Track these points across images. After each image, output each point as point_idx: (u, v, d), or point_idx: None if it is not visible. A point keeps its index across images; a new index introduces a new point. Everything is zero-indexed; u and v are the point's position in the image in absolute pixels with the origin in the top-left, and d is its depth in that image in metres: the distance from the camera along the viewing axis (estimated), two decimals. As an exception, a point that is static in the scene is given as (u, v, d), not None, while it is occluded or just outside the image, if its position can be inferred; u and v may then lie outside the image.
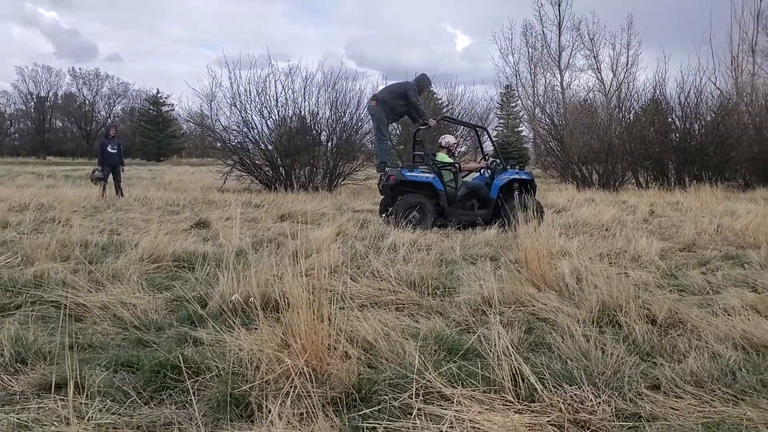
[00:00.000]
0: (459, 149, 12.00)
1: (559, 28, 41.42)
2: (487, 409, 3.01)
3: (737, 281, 5.80)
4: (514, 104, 50.51)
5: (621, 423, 2.96)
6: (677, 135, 20.87)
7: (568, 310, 4.58)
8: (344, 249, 6.69)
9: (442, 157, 10.13)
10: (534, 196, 10.14)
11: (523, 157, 44.25)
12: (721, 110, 20.93)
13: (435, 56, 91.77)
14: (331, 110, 18.14)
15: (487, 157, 10.92)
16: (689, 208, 12.79)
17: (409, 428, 2.80)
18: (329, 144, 18.36)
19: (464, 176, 10.52)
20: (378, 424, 2.84)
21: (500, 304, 4.78)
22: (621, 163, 20.33)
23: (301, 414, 2.92)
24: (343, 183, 18.38)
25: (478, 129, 12.17)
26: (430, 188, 9.56)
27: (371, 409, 3.00)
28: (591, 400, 3.09)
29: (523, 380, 3.20)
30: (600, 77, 40.40)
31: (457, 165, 10.16)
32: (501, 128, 50.12)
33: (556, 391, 3.17)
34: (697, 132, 20.73)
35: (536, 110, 36.03)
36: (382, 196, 10.37)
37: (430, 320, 4.47)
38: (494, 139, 12.55)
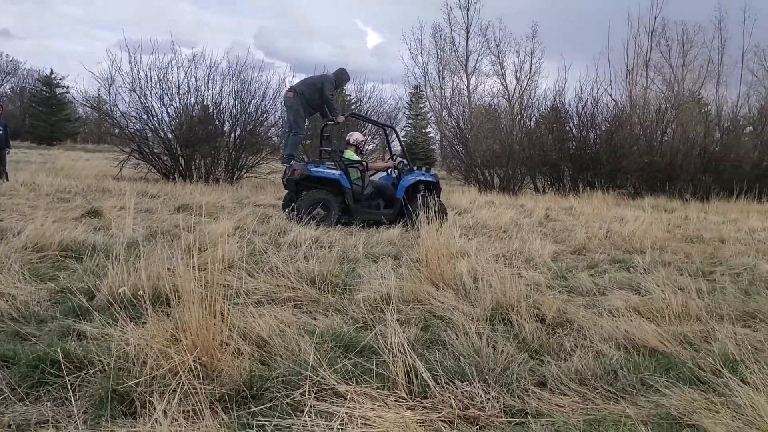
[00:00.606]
0: (367, 147, 11.87)
1: (467, 33, 42.33)
2: (380, 405, 3.01)
3: (622, 284, 6.08)
4: (422, 105, 51.24)
5: (509, 419, 3.03)
6: (574, 143, 21.75)
7: (464, 309, 4.67)
8: (242, 244, 6.54)
9: (350, 154, 10.04)
10: (438, 197, 10.28)
11: (429, 158, 44.95)
12: (615, 121, 21.99)
13: (345, 52, 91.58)
14: (235, 100, 17.71)
15: (394, 157, 10.90)
16: (582, 213, 13.35)
17: (299, 426, 2.76)
18: (232, 135, 17.91)
19: (371, 175, 10.51)
20: (268, 421, 2.78)
21: (399, 302, 4.83)
22: (521, 168, 20.99)
23: (188, 411, 2.83)
24: (245, 176, 18.00)
25: (386, 128, 12.18)
26: (336, 185, 9.44)
27: (262, 407, 2.94)
28: (481, 396, 3.15)
29: (416, 377, 3.23)
30: (504, 83, 41.63)
31: (364, 163, 10.05)
32: (409, 128, 50.74)
33: (448, 388, 3.21)
34: (592, 141, 21.68)
35: (443, 112, 36.65)
36: (286, 191, 10.21)
37: (328, 317, 4.43)
38: (402, 139, 12.61)
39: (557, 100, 22.98)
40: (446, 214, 10.08)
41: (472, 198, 15.23)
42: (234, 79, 17.61)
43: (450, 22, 42.73)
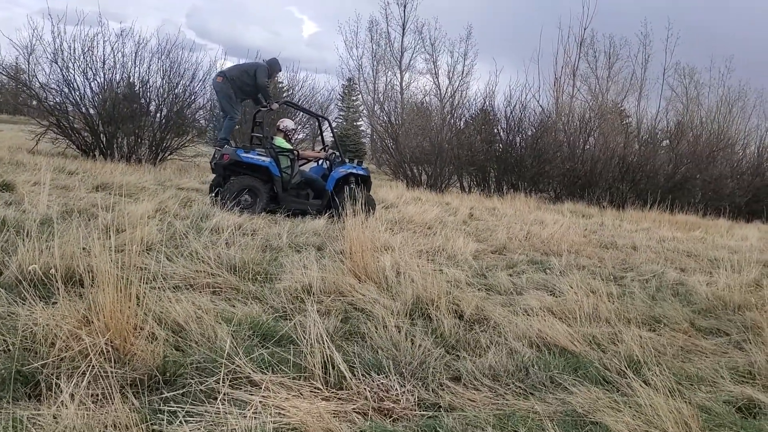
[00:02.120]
0: (297, 136, 11.58)
1: (403, 29, 42.49)
2: (295, 395, 3.00)
3: (538, 285, 6.26)
4: (355, 98, 51.15)
5: (422, 412, 3.08)
6: (501, 146, 22.22)
7: (385, 302, 4.70)
8: (163, 227, 6.38)
9: (281, 141, 9.86)
10: (368, 191, 10.28)
11: (360, 151, 44.95)
12: (541, 127, 22.59)
13: (281, 39, 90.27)
14: (163, 80, 17.15)
15: (326, 148, 10.77)
16: (504, 214, 13.65)
17: (212, 413, 2.72)
18: (158, 115, 17.35)
19: (301, 165, 10.40)
20: (180, 407, 2.74)
21: (321, 293, 4.82)
22: (449, 166, 21.30)
23: (97, 395, 2.74)
24: (169, 158, 17.50)
25: (320, 118, 12.10)
26: (266, 172, 9.28)
27: (174, 393, 2.89)
28: (396, 389, 3.19)
29: (333, 368, 3.24)
30: (437, 82, 42.02)
31: (295, 152, 9.92)
32: (341, 120, 50.55)
33: (364, 380, 3.24)
34: (518, 145, 22.20)
35: (375, 107, 36.69)
36: (214, 175, 10.00)
37: (248, 306, 4.38)
38: (334, 130, 12.58)
39: (487, 103, 23.47)
40: (374, 207, 10.09)
41: (400, 193, 15.33)
42: (163, 57, 17.03)
43: (387, 18, 42.83)
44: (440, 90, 41.17)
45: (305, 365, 3.27)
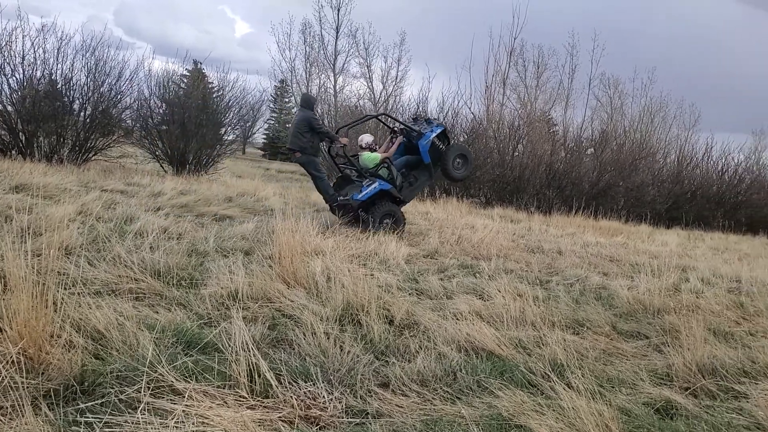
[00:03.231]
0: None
1: (337, 32, 42.29)
2: (219, 404, 2.93)
3: (468, 289, 6.33)
4: (287, 100, 50.71)
5: (350, 419, 3.06)
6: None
7: (314, 308, 4.66)
8: (84, 230, 6.14)
9: (372, 157, 10.27)
10: (449, 143, 10.88)
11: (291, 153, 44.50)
12: (473, 133, 22.95)
13: (212, 38, 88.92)
14: (87, 78, 16.55)
15: (395, 135, 10.98)
16: (437, 218, 13.75)
17: (131, 423, 2.62)
18: (82, 114, 16.73)
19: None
20: (97, 418, 2.63)
21: (248, 299, 4.73)
22: (382, 171, 21.36)
23: (5, 408, 2.60)
24: (94, 158, 16.89)
25: (379, 116, 12.86)
26: (384, 194, 9.95)
27: (92, 403, 2.77)
28: (324, 396, 3.15)
29: (259, 376, 3.18)
30: (371, 86, 42.05)
31: (387, 159, 10.30)
32: (272, 122, 50.05)
33: (291, 388, 3.19)
34: (450, 150, 22.44)
35: (308, 109, 36.43)
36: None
37: (172, 312, 4.26)
38: (394, 116, 12.84)
39: (420, 108, 23.63)
40: (471, 157, 11.28)
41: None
42: (88, 55, 16.45)
43: (320, 20, 42.53)
44: (374, 94, 41.23)
45: (230, 373, 3.20)
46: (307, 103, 10.62)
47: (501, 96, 37.04)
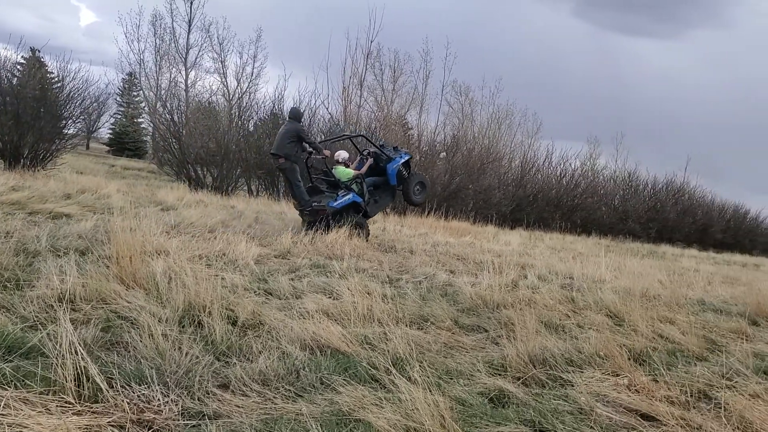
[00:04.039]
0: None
1: (189, 26, 40.81)
2: (40, 411, 2.73)
3: (319, 288, 6.33)
4: (136, 94, 48.27)
5: (185, 422, 2.96)
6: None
7: (153, 309, 4.47)
8: None
9: (345, 171, 11.33)
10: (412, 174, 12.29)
11: (139, 149, 42.60)
12: (330, 134, 23.07)
13: (55, 26, 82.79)
14: None
15: (367, 156, 12.01)
16: (292, 218, 13.58)
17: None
18: None
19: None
20: None
21: (81, 301, 4.46)
22: (236, 169, 20.90)
23: None
24: None
25: (358, 136, 14.19)
26: (355, 206, 11.14)
27: None
28: (159, 399, 3.03)
29: (88, 380, 3.00)
30: (225, 82, 41.01)
31: (360, 176, 11.37)
32: (120, 116, 47.50)
33: (123, 391, 3.04)
34: (307, 150, 22.36)
35: (158, 104, 34.89)
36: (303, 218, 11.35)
37: (-8, 315, 3.92)
38: (371, 139, 13.01)
39: (276, 107, 23.39)
40: (428, 185, 12.91)
41: (181, 195, 14.70)
42: None
43: (172, 13, 40.87)
44: (228, 90, 40.25)
45: (55, 378, 2.99)
46: (296, 115, 11.73)
47: (358, 98, 37.47)
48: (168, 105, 23.63)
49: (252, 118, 23.59)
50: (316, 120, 22.89)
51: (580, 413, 3.78)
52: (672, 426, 3.58)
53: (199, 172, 20.84)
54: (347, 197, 10.97)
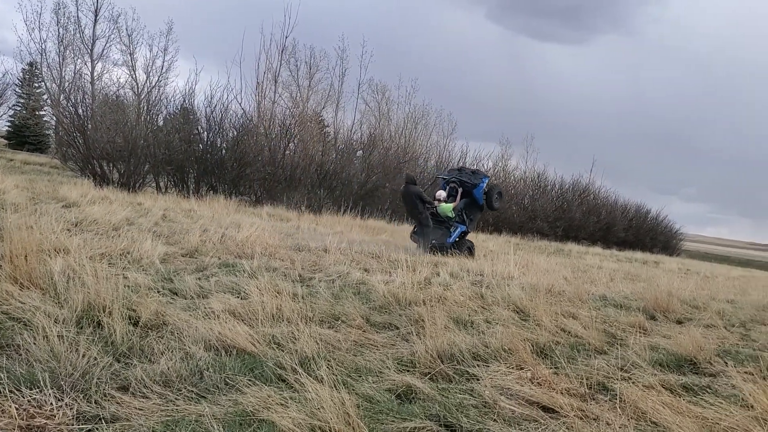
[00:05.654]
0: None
1: (96, 15, 39.12)
2: None
3: (227, 287, 6.21)
4: (37, 85, 45.87)
5: (81, 426, 2.84)
6: (201, 146, 21.74)
7: (49, 310, 4.26)
8: None
9: (448, 207, 13.84)
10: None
11: (42, 143, 40.58)
12: (243, 129, 22.67)
13: (-55, 11, 77.44)
14: None
15: (456, 186, 14.40)
16: (202, 216, 13.33)
17: None
18: None
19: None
20: None
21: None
22: (144, 165, 20.22)
23: None
24: None
25: (453, 179, 15.01)
26: (463, 233, 14.19)
27: None
28: (51, 403, 2.90)
29: (-29, 386, 2.82)
30: (134, 76, 39.62)
31: (457, 207, 13.96)
32: (20, 108, 44.98)
33: (12, 396, 2.88)
34: (219, 146, 21.96)
35: (61, 96, 33.29)
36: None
37: None
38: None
39: (187, 102, 22.78)
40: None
41: (85, 191, 14.09)
42: None
43: (77, 1, 39.17)
44: (137, 84, 38.96)
45: (-66, 386, 2.80)
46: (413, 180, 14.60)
47: (273, 93, 37.03)
48: (72, 98, 22.52)
49: (162, 112, 22.90)
50: (229, 115, 22.44)
51: (485, 407, 3.87)
52: (570, 417, 3.71)
53: (105, 167, 20.04)
54: (458, 231, 13.91)
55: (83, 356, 3.41)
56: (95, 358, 3.46)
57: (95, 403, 3.06)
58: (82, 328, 4.08)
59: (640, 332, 6.80)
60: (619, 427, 3.50)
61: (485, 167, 31.94)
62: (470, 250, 14.03)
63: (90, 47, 39.04)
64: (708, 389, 4.82)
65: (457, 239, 14.01)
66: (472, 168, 16.34)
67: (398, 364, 4.52)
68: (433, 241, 13.41)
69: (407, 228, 20.14)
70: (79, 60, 39.30)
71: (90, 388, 3.14)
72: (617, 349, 5.71)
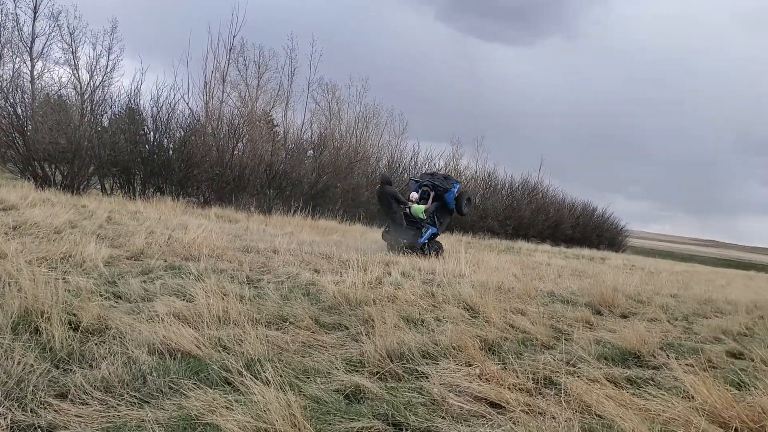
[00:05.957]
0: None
1: (35, 12, 37.81)
2: None
3: (173, 290, 6.09)
4: (-26, 85, 44.27)
5: (15, 437, 2.73)
6: (147, 147, 21.29)
7: (-18, 317, 4.09)
8: None
9: (420, 208, 14.26)
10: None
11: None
12: (190, 129, 22.26)
13: None
14: None
15: (428, 189, 14.80)
16: (148, 218, 13.06)
17: None
18: None
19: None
20: None
21: None
22: (88, 166, 19.68)
23: None
24: None
25: (425, 181, 15.38)
26: (433, 234, 14.55)
27: None
28: (-17, 415, 2.77)
29: None
30: (77, 75, 38.46)
31: (429, 209, 14.36)
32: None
33: (-61, 409, 2.75)
34: (166, 146, 21.53)
35: (-1, 96, 32.18)
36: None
37: None
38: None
39: (133, 102, 22.25)
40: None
41: (25, 194, 13.60)
42: None
43: (14, -3, 37.81)
44: (80, 83, 37.81)
45: None
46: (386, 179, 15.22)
47: (221, 93, 36.53)
48: (11, 97, 21.72)
49: (106, 112, 22.31)
50: (176, 115, 22.02)
51: (433, 404, 3.87)
52: (517, 412, 3.75)
53: (47, 169, 19.45)
54: (429, 232, 14.35)
55: (18, 363, 3.29)
56: (32, 365, 3.34)
57: (31, 411, 2.95)
58: (18, 334, 3.93)
59: (586, 327, 6.93)
60: (564, 421, 3.55)
61: (437, 166, 32.15)
62: (438, 252, 14.41)
63: (29, 45, 37.81)
64: (651, 381, 4.95)
65: (427, 240, 14.43)
66: (443, 173, 16.79)
67: (347, 364, 4.49)
68: (405, 241, 13.97)
69: (359, 228, 20.13)
70: (17, 58, 38.02)
71: (26, 396, 3.03)
72: (563, 343, 5.79)
